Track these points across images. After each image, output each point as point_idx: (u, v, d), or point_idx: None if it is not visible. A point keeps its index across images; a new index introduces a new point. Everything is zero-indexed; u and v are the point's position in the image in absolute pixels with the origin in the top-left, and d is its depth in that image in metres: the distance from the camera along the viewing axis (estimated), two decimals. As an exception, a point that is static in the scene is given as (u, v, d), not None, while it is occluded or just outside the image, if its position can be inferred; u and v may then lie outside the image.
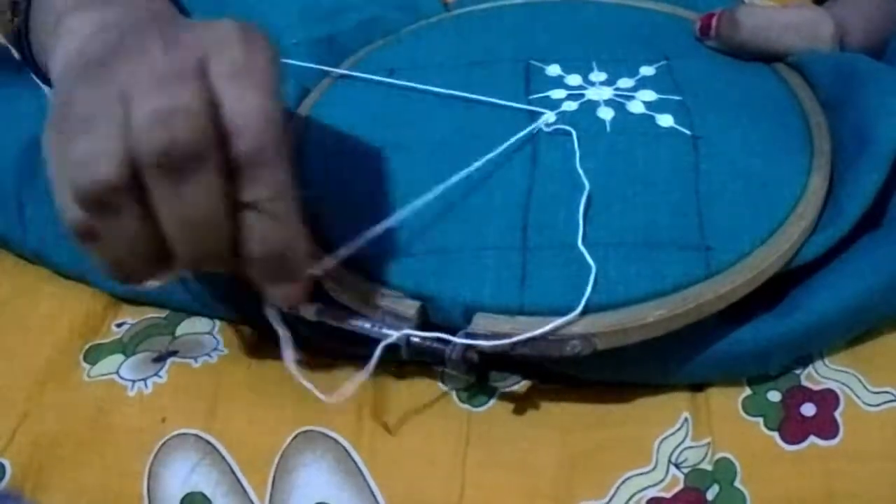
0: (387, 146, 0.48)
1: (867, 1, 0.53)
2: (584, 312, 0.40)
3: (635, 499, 0.41)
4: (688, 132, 0.47)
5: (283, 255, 0.37)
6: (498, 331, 0.40)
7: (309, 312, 0.42)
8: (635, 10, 0.57)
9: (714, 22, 0.52)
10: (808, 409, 0.42)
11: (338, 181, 0.47)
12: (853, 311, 0.43)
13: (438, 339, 0.40)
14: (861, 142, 0.45)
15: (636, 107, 0.48)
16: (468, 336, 0.40)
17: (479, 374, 0.45)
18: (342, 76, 0.53)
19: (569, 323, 0.40)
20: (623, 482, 0.41)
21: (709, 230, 0.43)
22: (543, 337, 0.40)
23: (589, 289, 0.40)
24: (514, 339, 0.39)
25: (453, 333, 0.40)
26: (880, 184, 0.44)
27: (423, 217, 0.44)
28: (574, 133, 0.46)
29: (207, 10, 0.48)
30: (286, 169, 0.36)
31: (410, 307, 0.41)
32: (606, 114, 0.48)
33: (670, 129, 0.47)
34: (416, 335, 0.40)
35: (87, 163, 0.34)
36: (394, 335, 0.40)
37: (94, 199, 0.35)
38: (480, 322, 0.41)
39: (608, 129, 0.47)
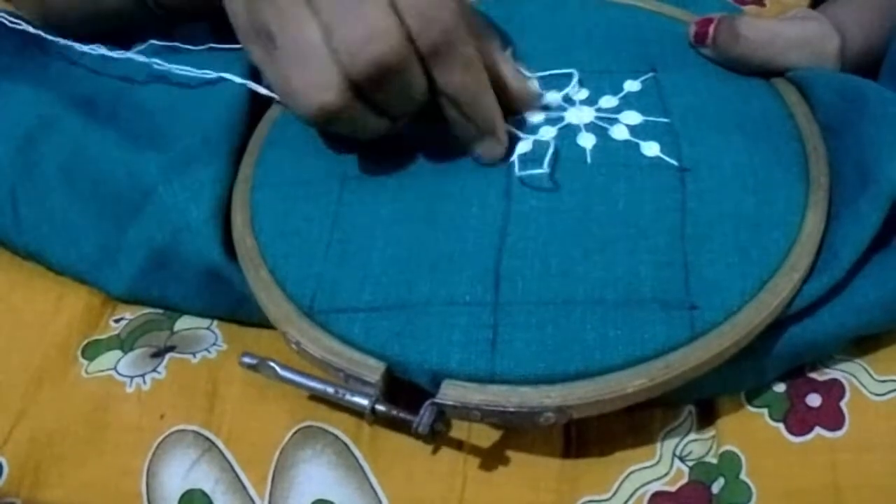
0: (348, 178, 0.45)
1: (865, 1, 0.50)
2: (559, 381, 0.38)
3: (639, 493, 0.40)
4: (675, 163, 0.44)
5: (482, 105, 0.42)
6: (468, 402, 0.38)
7: (270, 372, 0.41)
8: (619, 7, 0.53)
9: (711, 31, 0.49)
10: (814, 400, 0.42)
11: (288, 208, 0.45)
12: (853, 329, 0.42)
13: (405, 410, 0.39)
14: (862, 176, 0.42)
15: (620, 132, 0.45)
16: (436, 405, 0.39)
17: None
18: None
19: (542, 395, 0.38)
20: (627, 476, 0.41)
21: (695, 285, 0.40)
22: (515, 409, 0.38)
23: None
24: (484, 410, 0.38)
25: (421, 392, 0.39)
26: (878, 227, 0.41)
27: (390, 258, 0.42)
28: (551, 168, 0.43)
29: None
30: (469, 48, 0.41)
31: (375, 371, 0.39)
32: (587, 141, 0.45)
33: (656, 159, 0.44)
34: (382, 405, 0.39)
35: (309, 93, 0.40)
36: (360, 403, 0.39)
37: (321, 116, 0.41)
38: (449, 392, 0.39)
39: (588, 159, 0.44)
